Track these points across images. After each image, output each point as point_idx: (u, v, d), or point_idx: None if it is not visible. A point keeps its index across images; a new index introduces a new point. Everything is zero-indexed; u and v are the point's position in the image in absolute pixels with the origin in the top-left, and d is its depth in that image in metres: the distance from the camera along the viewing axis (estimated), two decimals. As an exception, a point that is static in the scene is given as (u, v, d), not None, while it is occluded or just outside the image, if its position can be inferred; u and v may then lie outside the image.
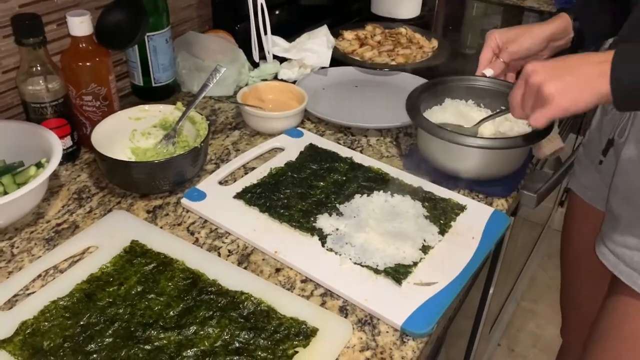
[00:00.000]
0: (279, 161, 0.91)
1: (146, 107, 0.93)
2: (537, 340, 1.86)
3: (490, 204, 0.85)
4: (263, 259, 0.75)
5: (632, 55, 0.65)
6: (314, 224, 0.78)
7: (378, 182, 0.87)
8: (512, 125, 0.92)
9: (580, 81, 0.66)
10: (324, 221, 0.78)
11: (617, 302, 0.86)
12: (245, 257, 0.75)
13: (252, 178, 0.87)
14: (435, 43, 1.33)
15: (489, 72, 0.94)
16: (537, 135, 0.85)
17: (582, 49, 0.91)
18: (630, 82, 0.64)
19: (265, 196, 0.83)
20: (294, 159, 0.91)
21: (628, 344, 0.84)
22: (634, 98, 0.65)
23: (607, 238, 0.86)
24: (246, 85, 1.13)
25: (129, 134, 0.91)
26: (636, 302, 0.82)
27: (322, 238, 0.76)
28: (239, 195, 0.83)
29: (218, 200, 0.83)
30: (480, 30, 1.48)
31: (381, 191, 0.84)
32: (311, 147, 0.95)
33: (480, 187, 0.88)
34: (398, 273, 0.71)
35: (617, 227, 0.84)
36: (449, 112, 0.95)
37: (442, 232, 0.78)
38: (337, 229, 0.77)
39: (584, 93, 0.66)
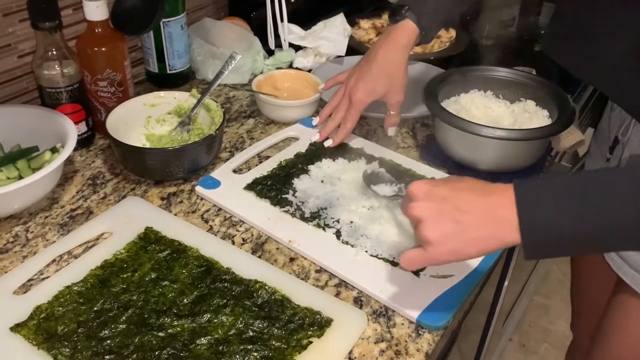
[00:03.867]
0: (289, 152, 0.90)
1: (161, 93, 0.92)
2: (548, 335, 1.85)
3: (508, 197, 0.84)
4: (277, 248, 0.74)
5: (535, 195, 0.53)
6: (324, 219, 0.77)
7: (391, 173, 0.85)
8: (532, 117, 0.90)
9: (469, 231, 0.54)
10: (335, 216, 0.77)
11: (621, 301, 0.84)
12: (260, 246, 0.74)
13: (262, 169, 0.86)
14: (453, 33, 1.31)
15: (328, 142, 0.90)
16: (557, 128, 0.84)
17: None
18: (545, 224, 0.52)
19: (276, 188, 0.82)
20: (304, 151, 0.90)
21: (631, 343, 0.83)
22: (549, 242, 0.53)
23: None
24: (261, 73, 1.12)
25: (144, 120, 0.91)
26: (638, 302, 0.80)
27: (337, 231, 0.75)
28: (249, 187, 0.82)
29: (232, 189, 0.82)
30: (499, 21, 1.45)
31: (393, 184, 0.83)
32: (324, 138, 0.94)
33: (499, 179, 0.86)
34: (413, 265, 0.70)
35: None
36: (467, 102, 0.94)
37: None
38: (352, 222, 0.76)
39: (475, 249, 0.55)
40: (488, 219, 0.54)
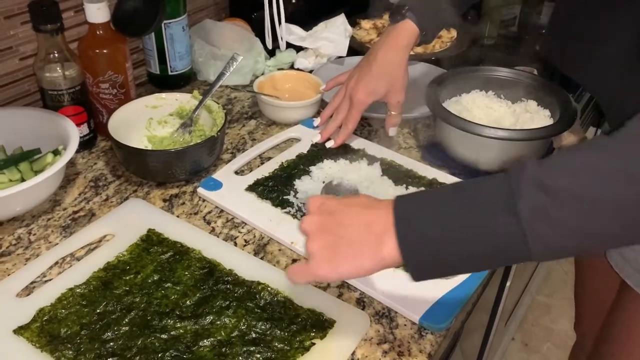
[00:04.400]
0: (291, 153, 0.90)
1: (163, 95, 0.92)
2: (550, 335, 1.85)
3: (510, 197, 0.84)
4: (279, 250, 0.74)
5: (410, 206, 0.51)
6: None
7: (390, 174, 0.85)
8: (533, 116, 0.90)
9: (346, 245, 0.52)
10: None
11: (624, 303, 0.84)
12: (262, 247, 0.74)
13: (264, 170, 0.86)
14: (454, 33, 1.31)
15: (329, 143, 0.90)
16: (559, 128, 0.84)
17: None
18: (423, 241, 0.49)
19: (278, 190, 0.82)
20: (305, 152, 0.90)
21: (635, 346, 0.83)
22: (427, 255, 0.50)
23: None
24: (262, 74, 1.12)
25: (146, 122, 0.91)
26: None
27: None
28: (250, 188, 0.82)
29: (234, 190, 0.82)
30: (500, 20, 1.45)
31: (396, 184, 0.83)
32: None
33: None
34: (415, 265, 0.70)
35: None
36: (469, 103, 0.94)
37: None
38: None
39: (353, 264, 0.52)
40: (367, 234, 0.51)
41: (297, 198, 0.81)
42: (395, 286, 0.68)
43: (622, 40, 0.71)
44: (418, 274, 0.51)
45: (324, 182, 0.83)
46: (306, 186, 0.83)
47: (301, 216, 0.78)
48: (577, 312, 1.13)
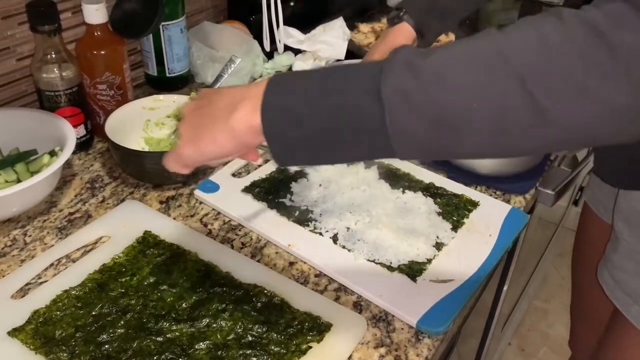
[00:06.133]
0: None
1: (160, 97, 0.92)
2: (547, 340, 1.84)
3: (508, 201, 0.84)
4: (276, 252, 0.74)
5: (283, 80, 0.49)
6: (321, 223, 0.77)
7: (387, 178, 0.85)
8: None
9: (206, 116, 0.51)
10: (332, 221, 0.77)
11: (617, 328, 0.82)
12: (259, 250, 0.74)
13: (261, 173, 0.86)
14: (452, 37, 1.31)
15: None
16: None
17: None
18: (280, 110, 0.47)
19: (274, 192, 0.82)
20: None
21: None
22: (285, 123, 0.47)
23: (608, 260, 0.82)
24: (260, 76, 1.12)
25: (143, 123, 0.91)
26: (631, 330, 0.78)
27: (334, 236, 0.75)
28: (247, 190, 0.82)
29: (231, 193, 0.82)
30: (497, 25, 1.46)
31: (392, 187, 0.83)
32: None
33: (498, 183, 0.86)
34: (412, 270, 0.70)
35: (617, 248, 0.79)
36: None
37: (455, 228, 0.77)
38: (349, 228, 0.76)
39: (209, 136, 0.50)
40: (226, 107, 0.49)
41: (292, 201, 0.80)
42: (392, 290, 0.68)
43: None
44: (280, 152, 0.48)
45: (320, 184, 0.83)
46: (302, 189, 0.82)
47: (297, 219, 0.77)
48: (573, 329, 1.12)
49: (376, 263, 0.71)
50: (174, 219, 0.78)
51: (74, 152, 0.84)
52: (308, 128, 0.45)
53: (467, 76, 0.42)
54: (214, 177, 0.85)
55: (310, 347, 0.60)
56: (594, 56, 0.39)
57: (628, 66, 0.39)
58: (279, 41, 1.14)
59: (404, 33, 0.85)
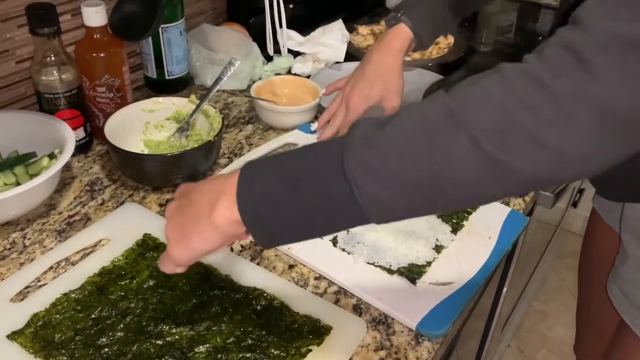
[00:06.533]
0: None
1: (160, 99, 0.92)
2: (546, 341, 1.85)
3: (507, 203, 0.84)
4: (276, 255, 0.74)
5: (255, 168, 0.50)
6: None
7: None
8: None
9: (189, 216, 0.52)
10: None
11: (625, 341, 0.82)
12: (258, 253, 0.74)
13: None
14: (451, 39, 1.31)
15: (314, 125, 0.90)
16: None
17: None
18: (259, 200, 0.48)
19: None
20: None
21: None
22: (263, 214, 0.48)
23: (616, 274, 0.81)
24: (260, 79, 1.12)
25: (142, 126, 0.91)
26: (638, 343, 0.77)
27: (334, 238, 0.75)
28: None
29: (231, 195, 0.82)
30: (496, 27, 1.46)
31: None
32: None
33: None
34: (412, 273, 0.70)
35: (626, 262, 0.79)
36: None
37: (455, 231, 0.77)
38: (348, 231, 0.76)
39: (196, 235, 0.51)
40: (206, 204, 0.50)
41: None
42: (392, 292, 0.67)
43: None
44: (263, 238, 0.49)
45: None
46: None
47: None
48: (578, 335, 1.11)
49: (376, 266, 0.71)
50: (174, 221, 0.78)
51: (73, 155, 0.84)
52: (285, 212, 0.47)
53: (421, 142, 0.43)
54: (213, 180, 0.85)
55: (310, 350, 0.60)
56: (537, 106, 0.40)
57: (571, 112, 0.39)
58: (283, 46, 1.14)
59: (402, 35, 0.85)
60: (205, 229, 0.50)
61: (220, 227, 0.50)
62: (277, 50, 1.16)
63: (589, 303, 1.03)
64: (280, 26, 1.12)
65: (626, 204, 0.78)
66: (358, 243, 0.74)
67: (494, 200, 0.47)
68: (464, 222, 0.79)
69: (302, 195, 0.46)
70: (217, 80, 0.91)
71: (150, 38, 1.01)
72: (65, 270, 0.69)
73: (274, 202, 0.47)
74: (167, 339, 0.61)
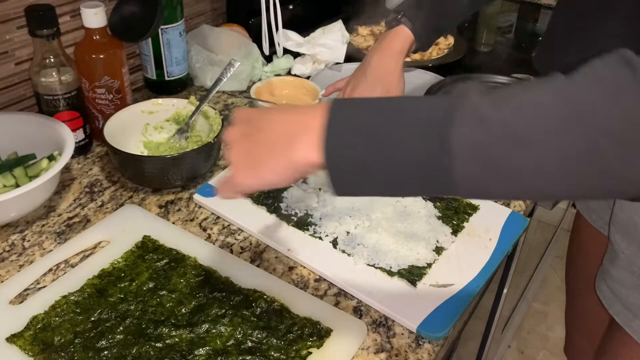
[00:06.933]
0: None
1: (159, 100, 0.92)
2: (546, 342, 1.84)
3: (507, 205, 0.84)
4: (276, 257, 0.73)
5: (346, 114, 0.47)
6: (320, 228, 0.76)
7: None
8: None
9: (261, 147, 0.50)
10: (332, 225, 0.77)
11: (615, 341, 0.81)
12: (258, 255, 0.74)
13: None
14: (451, 40, 1.31)
15: None
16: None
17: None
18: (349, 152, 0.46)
19: (273, 196, 0.82)
20: None
21: None
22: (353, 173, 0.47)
23: (606, 273, 0.81)
24: (259, 80, 1.12)
25: (142, 127, 0.91)
26: (631, 343, 0.77)
27: (334, 240, 0.75)
28: (246, 194, 0.82)
29: (231, 196, 0.82)
30: (496, 28, 1.46)
31: None
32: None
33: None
34: (412, 275, 0.70)
35: (616, 261, 0.78)
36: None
37: (455, 232, 0.77)
38: (348, 232, 0.75)
39: (269, 167, 0.50)
40: (284, 136, 0.49)
41: (292, 205, 0.80)
42: (392, 294, 0.67)
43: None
44: (337, 183, 0.47)
45: (319, 188, 0.83)
46: (302, 193, 0.82)
47: (296, 223, 0.77)
48: (567, 336, 1.11)
49: (376, 267, 0.71)
50: (173, 223, 0.78)
51: (73, 157, 0.84)
52: (371, 172, 0.46)
53: (540, 135, 0.41)
54: (213, 181, 0.85)
55: (310, 353, 0.60)
56: None
57: None
58: (278, 44, 1.14)
59: (402, 36, 0.84)
60: (280, 163, 0.49)
61: (298, 165, 0.48)
62: (275, 52, 1.16)
63: (578, 304, 1.03)
64: (277, 28, 1.12)
65: (616, 205, 0.78)
66: (358, 245, 0.74)
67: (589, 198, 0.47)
68: (465, 224, 0.78)
69: (392, 159, 0.44)
70: (217, 82, 0.91)
71: (149, 39, 1.01)
72: (65, 273, 0.69)
73: (362, 160, 0.45)
74: (167, 341, 0.60)
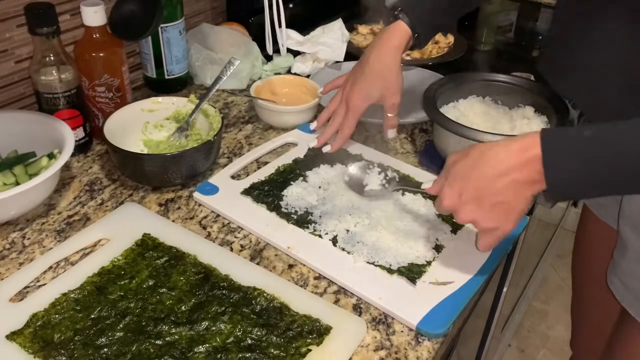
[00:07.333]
0: (287, 158, 0.90)
1: (159, 99, 0.92)
2: (546, 341, 1.84)
3: (507, 203, 0.84)
4: (276, 255, 0.73)
5: (560, 144, 0.58)
6: (320, 226, 0.76)
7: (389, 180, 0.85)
8: (530, 122, 0.90)
9: (507, 197, 0.60)
10: (332, 223, 0.77)
11: (626, 333, 0.82)
12: (258, 253, 0.74)
13: (260, 175, 0.86)
14: (451, 38, 1.31)
15: (326, 148, 0.87)
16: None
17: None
18: (568, 172, 0.57)
19: (273, 194, 0.82)
20: (302, 156, 0.90)
21: None
22: (573, 186, 0.59)
23: (617, 266, 0.81)
24: (259, 78, 1.12)
25: (142, 126, 0.91)
26: None
27: (334, 238, 0.75)
28: (246, 192, 0.82)
29: (230, 195, 0.82)
30: (496, 26, 1.46)
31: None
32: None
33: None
34: (412, 272, 0.70)
35: (626, 254, 0.78)
36: (466, 108, 0.94)
37: (455, 230, 0.77)
38: (348, 230, 0.75)
39: (516, 209, 0.61)
40: (522, 189, 0.59)
41: (292, 203, 0.80)
42: (392, 292, 0.67)
43: (613, 55, 0.71)
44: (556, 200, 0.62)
45: (319, 186, 0.83)
46: (302, 191, 0.82)
47: (296, 221, 0.77)
48: (574, 329, 1.11)
49: (376, 265, 0.71)
50: (173, 221, 0.78)
51: (73, 155, 0.84)
52: (595, 192, 0.59)
53: None
54: (213, 180, 0.85)
55: (310, 350, 0.60)
56: None
57: None
58: (282, 46, 1.14)
59: (400, 32, 0.84)
60: (522, 211, 0.61)
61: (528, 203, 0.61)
62: (277, 50, 1.16)
63: (583, 298, 1.03)
64: (280, 26, 1.12)
65: (624, 199, 0.78)
66: (358, 242, 0.74)
67: None
68: (464, 222, 0.78)
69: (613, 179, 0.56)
70: (217, 80, 0.91)
71: (149, 38, 1.01)
72: (65, 270, 0.69)
73: (585, 186, 0.58)
74: (167, 339, 0.60)
